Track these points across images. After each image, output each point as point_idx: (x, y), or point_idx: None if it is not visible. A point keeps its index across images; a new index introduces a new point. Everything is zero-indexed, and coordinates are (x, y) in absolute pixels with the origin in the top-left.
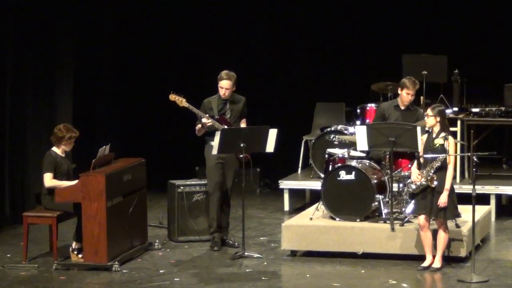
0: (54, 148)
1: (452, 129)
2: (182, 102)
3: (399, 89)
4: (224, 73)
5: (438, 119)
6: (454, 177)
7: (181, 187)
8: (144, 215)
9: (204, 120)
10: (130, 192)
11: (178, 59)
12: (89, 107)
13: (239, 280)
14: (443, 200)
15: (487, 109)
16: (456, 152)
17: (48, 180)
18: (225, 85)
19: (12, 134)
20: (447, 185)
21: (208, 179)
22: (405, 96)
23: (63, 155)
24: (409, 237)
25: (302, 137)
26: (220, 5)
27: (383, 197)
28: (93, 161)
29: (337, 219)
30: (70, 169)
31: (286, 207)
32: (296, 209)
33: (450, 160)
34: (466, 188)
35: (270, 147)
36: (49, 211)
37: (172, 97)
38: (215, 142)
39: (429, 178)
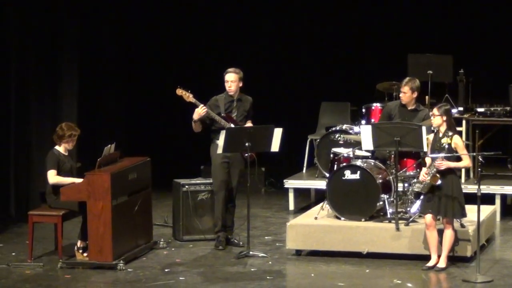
0: (57, 147)
1: (457, 128)
2: (189, 97)
3: None
4: (230, 68)
5: (445, 118)
6: (460, 177)
7: (186, 186)
8: (149, 214)
9: (197, 109)
10: (135, 191)
11: (184, 58)
12: (94, 105)
13: (244, 279)
14: (444, 163)
15: (492, 109)
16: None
17: (52, 176)
18: (230, 78)
19: (17, 133)
20: (453, 164)
21: (213, 178)
22: (400, 94)
23: (66, 154)
24: (414, 236)
25: (307, 137)
26: (226, 3)
27: (388, 196)
28: (98, 160)
29: (342, 218)
30: (74, 168)
31: (291, 207)
32: (301, 209)
33: (464, 157)
34: (471, 188)
35: (275, 146)
36: (54, 210)
37: (179, 91)
38: (220, 141)
39: (432, 176)
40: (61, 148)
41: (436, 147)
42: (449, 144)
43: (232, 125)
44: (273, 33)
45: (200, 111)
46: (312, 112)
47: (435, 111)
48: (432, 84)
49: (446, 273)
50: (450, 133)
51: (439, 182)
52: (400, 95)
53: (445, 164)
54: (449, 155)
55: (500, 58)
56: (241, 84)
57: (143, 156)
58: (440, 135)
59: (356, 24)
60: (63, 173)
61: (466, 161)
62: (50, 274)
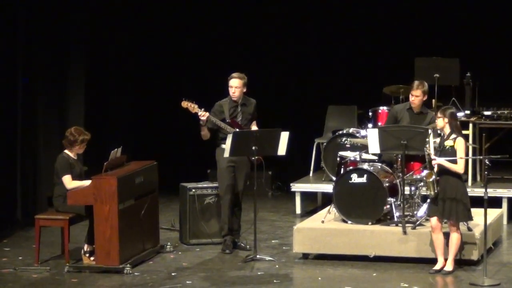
0: (66, 151)
1: (464, 132)
2: (194, 108)
3: None
4: (234, 73)
5: (446, 120)
6: (466, 180)
7: (193, 190)
8: (156, 218)
9: (199, 114)
10: (142, 195)
11: (191, 62)
12: (101, 109)
13: (250, 283)
14: (437, 159)
15: (499, 112)
16: (466, 152)
17: (69, 182)
18: (234, 84)
19: (24, 137)
20: (445, 162)
21: (219, 182)
22: (410, 97)
23: (75, 158)
24: (421, 240)
25: (314, 140)
26: (231, 8)
27: (395, 200)
28: (105, 163)
29: (349, 222)
30: (82, 171)
31: (298, 210)
32: (308, 212)
33: (459, 162)
34: (478, 191)
35: (282, 150)
36: (61, 214)
37: (185, 104)
38: (227, 145)
39: (427, 173)
40: (70, 153)
41: (439, 149)
42: (452, 147)
43: (237, 130)
44: (279, 36)
45: (202, 117)
46: (319, 116)
47: (438, 113)
48: (438, 87)
49: (453, 277)
50: (454, 136)
51: (432, 178)
52: (412, 98)
53: (438, 160)
54: (449, 158)
55: (507, 61)
56: (245, 90)
57: (150, 160)
58: (444, 137)
59: (362, 27)
60: (73, 177)
61: (459, 166)
62: (57, 278)
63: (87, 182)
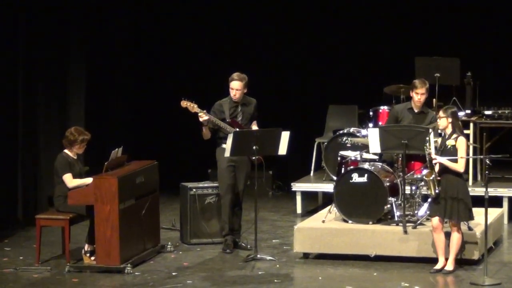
0: (66, 151)
1: (464, 131)
2: (194, 108)
3: (411, 91)
4: (235, 74)
5: (450, 120)
6: (467, 180)
7: (194, 190)
8: (156, 218)
9: (199, 114)
10: (142, 195)
11: (191, 62)
12: (101, 109)
13: (251, 283)
14: (438, 158)
15: (499, 111)
16: (467, 151)
17: (70, 180)
18: (235, 86)
19: (24, 137)
20: (446, 161)
21: (219, 181)
22: (415, 96)
23: (75, 157)
24: (422, 239)
25: (315, 140)
26: (231, 8)
27: (395, 199)
28: (105, 163)
29: (350, 221)
30: (82, 171)
31: (299, 210)
32: (309, 212)
33: (460, 161)
34: (479, 191)
35: (282, 149)
36: (62, 214)
37: (184, 103)
38: (228, 145)
39: (427, 172)
40: (70, 153)
41: (441, 149)
42: (454, 146)
43: (238, 130)
44: (279, 35)
45: (200, 118)
46: (320, 115)
47: (441, 113)
48: (439, 87)
49: (454, 276)
50: (456, 135)
51: (432, 177)
52: (417, 97)
53: (438, 159)
54: (451, 157)
55: (507, 60)
56: (245, 90)
57: (150, 160)
58: (446, 137)
59: (362, 27)
60: (73, 177)
61: (460, 165)
62: (58, 278)
63: (89, 180)
